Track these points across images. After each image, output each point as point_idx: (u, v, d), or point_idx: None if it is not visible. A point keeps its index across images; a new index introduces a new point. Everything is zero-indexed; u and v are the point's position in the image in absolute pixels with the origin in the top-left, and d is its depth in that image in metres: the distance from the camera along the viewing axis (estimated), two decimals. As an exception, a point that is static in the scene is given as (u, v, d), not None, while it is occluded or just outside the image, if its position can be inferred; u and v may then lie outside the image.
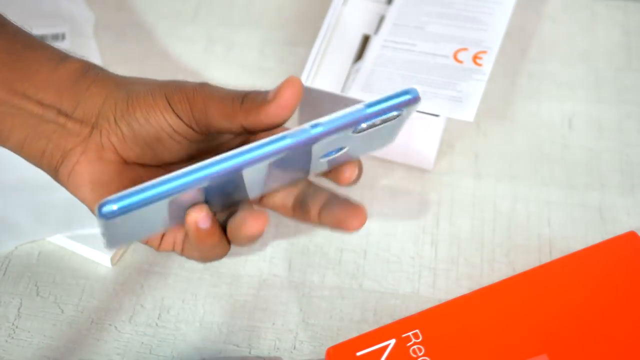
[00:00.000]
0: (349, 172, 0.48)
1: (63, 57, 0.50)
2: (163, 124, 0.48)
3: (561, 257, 0.55)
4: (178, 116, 0.47)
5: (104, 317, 0.55)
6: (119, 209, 0.41)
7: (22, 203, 0.58)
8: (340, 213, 0.48)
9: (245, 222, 0.46)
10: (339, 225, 0.48)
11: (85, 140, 0.48)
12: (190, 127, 0.48)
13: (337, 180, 0.49)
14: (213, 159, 0.43)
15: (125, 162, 0.49)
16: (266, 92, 0.47)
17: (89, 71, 0.49)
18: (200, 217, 0.46)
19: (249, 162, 0.43)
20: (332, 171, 0.49)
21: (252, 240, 0.47)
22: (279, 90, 0.46)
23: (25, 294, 0.56)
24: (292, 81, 0.46)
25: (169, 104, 0.47)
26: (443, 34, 0.64)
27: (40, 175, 0.51)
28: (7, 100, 0.48)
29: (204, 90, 0.48)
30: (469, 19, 0.64)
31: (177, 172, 0.43)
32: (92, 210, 0.48)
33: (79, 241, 0.57)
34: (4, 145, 0.49)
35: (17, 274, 0.57)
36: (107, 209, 0.41)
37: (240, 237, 0.47)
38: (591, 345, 0.50)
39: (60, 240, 0.58)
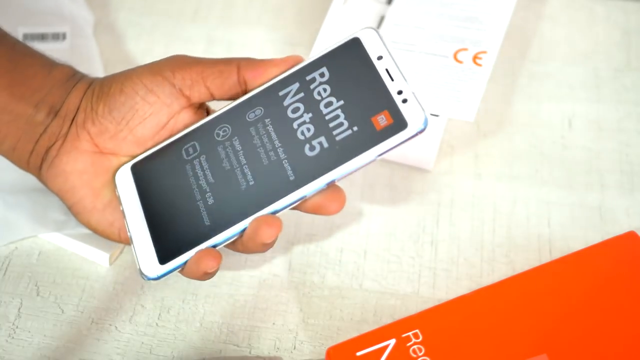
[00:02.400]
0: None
1: (54, 63, 0.53)
2: (137, 87, 0.50)
3: (561, 257, 0.55)
4: (159, 72, 0.50)
5: (104, 317, 0.55)
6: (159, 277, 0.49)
7: (21, 203, 0.58)
8: (319, 198, 0.48)
9: (260, 229, 0.47)
10: (318, 211, 0.49)
11: (64, 135, 0.51)
12: (171, 83, 0.50)
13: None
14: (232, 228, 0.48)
15: (101, 152, 0.51)
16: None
17: (76, 74, 0.53)
18: (211, 266, 0.48)
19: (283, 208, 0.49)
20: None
21: (266, 247, 0.49)
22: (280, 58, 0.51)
23: (25, 294, 0.56)
24: (294, 56, 0.51)
25: (147, 68, 0.51)
26: (443, 34, 0.64)
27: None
28: (6, 106, 0.51)
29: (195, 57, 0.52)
30: (469, 19, 0.64)
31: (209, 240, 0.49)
32: (69, 201, 0.52)
33: (77, 240, 0.57)
34: None
35: (18, 274, 0.57)
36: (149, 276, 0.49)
37: (255, 246, 0.48)
38: (591, 345, 0.50)
39: (60, 240, 0.58)
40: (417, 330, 0.51)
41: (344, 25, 0.65)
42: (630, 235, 0.56)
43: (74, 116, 0.51)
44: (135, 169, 0.52)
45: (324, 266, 0.58)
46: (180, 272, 0.49)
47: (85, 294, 0.56)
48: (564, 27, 0.72)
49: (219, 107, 0.53)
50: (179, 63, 0.51)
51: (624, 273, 0.54)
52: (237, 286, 0.57)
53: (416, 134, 0.47)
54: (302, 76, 0.50)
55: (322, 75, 0.50)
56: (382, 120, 0.48)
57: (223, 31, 0.71)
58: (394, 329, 0.51)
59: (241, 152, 0.50)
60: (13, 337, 0.54)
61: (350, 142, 0.48)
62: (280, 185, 0.48)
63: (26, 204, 0.58)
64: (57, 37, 0.67)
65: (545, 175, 0.63)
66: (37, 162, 0.51)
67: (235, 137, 0.50)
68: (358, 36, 0.50)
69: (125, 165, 0.52)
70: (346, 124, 0.48)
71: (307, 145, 0.49)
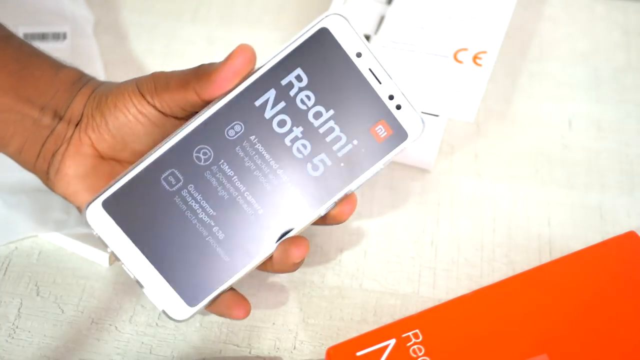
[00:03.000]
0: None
1: (61, 65, 0.53)
2: (129, 105, 0.49)
3: (561, 257, 0.55)
4: (142, 95, 0.49)
5: (104, 317, 0.55)
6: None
7: (21, 202, 0.58)
8: (333, 209, 0.49)
9: (290, 251, 0.48)
10: (333, 221, 0.50)
11: (69, 139, 0.51)
12: (153, 106, 0.49)
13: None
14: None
15: (102, 157, 0.51)
16: (219, 62, 0.48)
17: (82, 77, 0.53)
18: (241, 316, 0.50)
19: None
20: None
21: (296, 267, 0.50)
22: (230, 55, 0.47)
23: (25, 294, 0.56)
24: (243, 48, 0.47)
25: (137, 87, 0.49)
26: (443, 34, 0.64)
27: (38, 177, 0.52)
28: (13, 106, 0.51)
29: (170, 71, 0.50)
30: (469, 19, 0.64)
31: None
32: (74, 204, 0.51)
33: (77, 240, 0.57)
34: (4, 151, 0.52)
35: (18, 274, 0.57)
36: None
37: (285, 267, 0.49)
38: (591, 345, 0.50)
39: (60, 240, 0.58)
40: (417, 330, 0.51)
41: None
42: (630, 235, 0.56)
43: (79, 121, 0.51)
44: (109, 206, 0.47)
45: (324, 266, 0.58)
46: (206, 308, 0.50)
47: (85, 294, 0.56)
48: (564, 27, 0.72)
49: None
50: (157, 86, 0.49)
51: (624, 273, 0.54)
52: (237, 286, 0.56)
53: (417, 139, 0.48)
54: (275, 81, 0.47)
55: (299, 79, 0.47)
56: (381, 131, 0.48)
57: (223, 31, 0.71)
58: (394, 329, 0.51)
59: (235, 177, 0.48)
60: (13, 337, 0.54)
61: (354, 158, 0.48)
62: (293, 209, 0.48)
63: (26, 203, 0.58)
64: (58, 36, 0.67)
65: (545, 175, 0.63)
66: (44, 166, 0.51)
67: (222, 161, 0.47)
68: (326, 26, 0.47)
69: (93, 202, 0.47)
70: (344, 137, 0.48)
71: (310, 165, 0.48)
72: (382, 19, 0.65)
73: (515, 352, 0.50)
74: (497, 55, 0.64)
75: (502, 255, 0.58)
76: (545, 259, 0.58)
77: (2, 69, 0.51)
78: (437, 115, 0.60)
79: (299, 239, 0.48)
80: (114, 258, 0.57)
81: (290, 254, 0.48)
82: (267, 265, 0.50)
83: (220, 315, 0.50)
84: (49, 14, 0.68)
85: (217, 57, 0.72)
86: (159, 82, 0.49)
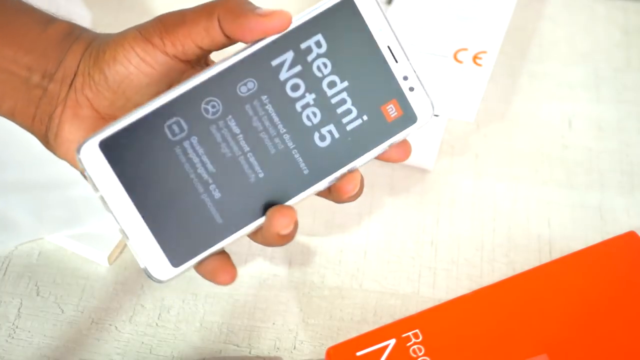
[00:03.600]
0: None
1: (50, 19, 0.49)
2: (130, 55, 0.46)
3: (561, 257, 0.55)
4: (148, 40, 0.46)
5: (104, 317, 0.55)
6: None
7: (22, 202, 0.58)
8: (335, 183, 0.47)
9: (274, 218, 0.45)
10: (335, 197, 0.47)
11: (64, 100, 0.48)
12: (162, 50, 0.46)
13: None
14: None
15: (101, 117, 0.48)
16: (253, 8, 0.46)
17: (74, 31, 0.49)
18: (226, 281, 0.46)
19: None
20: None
21: (284, 240, 0.46)
22: (270, 13, 0.45)
23: (25, 294, 0.56)
24: (285, 15, 0.45)
25: (140, 33, 0.47)
26: (443, 34, 0.64)
27: (40, 174, 0.51)
28: None
29: (179, 10, 0.47)
30: (469, 19, 0.64)
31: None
32: (75, 168, 0.48)
33: (76, 239, 0.57)
34: None
35: (17, 274, 0.57)
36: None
37: (272, 237, 0.46)
38: (591, 345, 0.50)
39: (60, 240, 0.58)
40: (417, 330, 0.51)
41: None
42: (630, 235, 0.56)
43: (72, 80, 0.48)
44: (106, 146, 0.45)
45: (324, 266, 0.58)
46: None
47: (85, 294, 0.56)
48: (564, 27, 0.72)
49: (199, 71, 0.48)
50: (166, 26, 0.46)
51: (624, 273, 0.54)
52: (237, 286, 0.57)
53: (424, 124, 0.47)
54: (295, 43, 0.46)
55: (318, 44, 0.46)
56: (391, 110, 0.47)
57: (223, 31, 0.71)
58: (394, 329, 0.51)
59: (241, 136, 0.46)
60: (13, 337, 0.54)
61: (362, 134, 0.46)
62: (295, 179, 0.46)
63: (29, 203, 0.58)
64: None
65: (545, 175, 0.63)
66: (42, 129, 0.48)
67: (230, 116, 0.46)
68: None
69: (89, 140, 0.44)
70: (355, 111, 0.47)
71: (317, 134, 0.46)
72: (382, 19, 0.65)
73: (515, 352, 0.50)
74: (497, 55, 0.64)
75: (502, 255, 0.58)
76: (545, 259, 0.58)
77: None
78: (437, 115, 0.60)
79: (286, 208, 0.45)
80: (113, 257, 0.57)
81: (274, 223, 0.45)
82: (258, 236, 0.47)
83: (205, 278, 0.47)
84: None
85: (218, 57, 0.72)
86: (169, 21, 0.46)
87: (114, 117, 0.48)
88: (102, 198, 0.45)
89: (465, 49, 0.63)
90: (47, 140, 0.49)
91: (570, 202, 0.61)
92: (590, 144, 0.64)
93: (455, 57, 0.62)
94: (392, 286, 0.57)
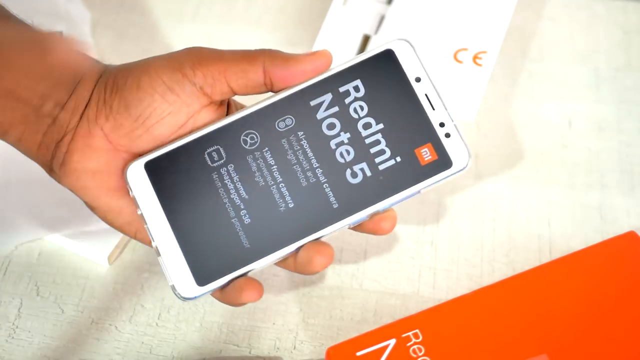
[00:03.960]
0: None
1: (50, 46, 0.49)
2: (156, 83, 0.47)
3: (561, 257, 0.55)
4: (178, 69, 0.47)
5: (104, 317, 0.55)
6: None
7: (21, 201, 0.58)
8: (369, 221, 0.48)
9: (314, 259, 0.47)
10: (369, 232, 0.49)
11: (74, 128, 0.48)
12: (191, 81, 0.47)
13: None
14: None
15: (115, 149, 0.48)
16: (296, 54, 0.49)
17: (87, 60, 0.49)
18: (253, 298, 0.47)
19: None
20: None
21: (315, 273, 0.48)
22: (314, 53, 0.48)
23: (25, 294, 0.56)
24: (327, 54, 0.49)
25: (168, 62, 0.48)
26: (443, 34, 0.64)
27: (39, 174, 0.51)
28: (11, 91, 0.48)
29: (208, 47, 0.49)
30: (469, 19, 0.64)
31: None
32: (83, 199, 0.49)
33: (76, 239, 0.57)
34: (3, 138, 0.49)
35: (18, 274, 0.57)
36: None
37: (307, 272, 0.48)
38: (591, 345, 0.50)
39: (60, 240, 0.58)
40: (417, 330, 0.51)
41: (344, 25, 0.65)
42: (630, 235, 0.56)
43: (84, 109, 0.48)
44: (150, 168, 0.48)
45: (324, 266, 0.58)
46: (213, 294, 0.48)
47: (85, 294, 0.56)
48: (564, 26, 0.72)
49: (242, 103, 0.51)
50: (200, 58, 0.48)
51: (624, 273, 0.54)
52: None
53: (459, 172, 0.48)
54: (334, 86, 0.49)
55: (356, 89, 0.49)
56: (425, 154, 0.48)
57: (223, 31, 0.71)
58: (394, 329, 0.51)
59: (275, 167, 0.48)
60: (13, 337, 0.54)
61: (394, 175, 0.48)
62: (324, 212, 0.48)
63: (29, 203, 0.58)
64: (54, 36, 0.67)
65: (545, 175, 0.63)
66: (47, 156, 0.49)
67: (266, 148, 0.48)
68: (392, 48, 0.49)
69: (137, 161, 0.48)
70: (388, 152, 0.48)
71: (349, 171, 0.48)
72: (382, 19, 0.65)
73: (515, 352, 0.50)
74: (497, 55, 0.64)
75: (502, 255, 0.58)
76: (545, 259, 0.58)
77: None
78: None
79: (325, 247, 0.47)
80: (113, 258, 0.57)
81: (314, 262, 0.47)
82: (288, 264, 0.48)
83: (231, 302, 0.48)
84: (41, 13, 0.68)
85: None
86: (204, 54, 0.48)
87: (128, 150, 0.48)
88: (141, 215, 0.48)
89: (465, 49, 0.63)
90: (51, 167, 0.49)
91: (570, 202, 0.61)
92: (590, 144, 0.64)
93: (455, 57, 0.63)
94: (392, 286, 0.57)
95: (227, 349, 0.54)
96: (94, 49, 0.68)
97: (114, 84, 0.48)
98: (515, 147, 0.64)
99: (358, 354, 0.50)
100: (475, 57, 0.62)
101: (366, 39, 0.65)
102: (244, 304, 0.47)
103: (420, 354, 0.50)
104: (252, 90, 0.49)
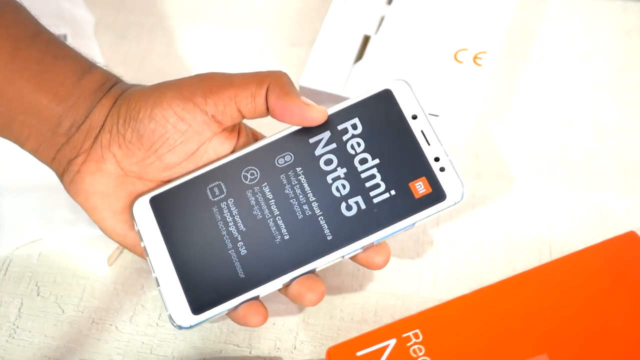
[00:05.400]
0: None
1: (87, 69, 0.51)
2: (168, 114, 0.48)
3: (561, 257, 0.55)
4: (189, 98, 0.48)
5: (105, 317, 0.55)
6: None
7: (23, 202, 0.58)
8: (362, 253, 0.49)
9: (305, 295, 0.48)
10: (363, 265, 0.50)
11: (87, 151, 0.50)
12: (202, 110, 0.48)
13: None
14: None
15: (125, 175, 0.50)
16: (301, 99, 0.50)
17: (106, 83, 0.51)
18: (257, 323, 0.49)
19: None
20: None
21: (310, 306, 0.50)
22: (314, 108, 0.50)
23: (25, 294, 0.56)
24: (325, 113, 0.50)
25: (179, 91, 0.48)
26: (443, 34, 0.64)
27: (45, 176, 0.52)
28: (32, 108, 0.49)
29: (218, 72, 0.50)
30: (469, 19, 0.64)
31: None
32: (91, 217, 0.51)
33: (77, 240, 0.57)
34: (22, 147, 0.51)
35: (18, 274, 0.57)
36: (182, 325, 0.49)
37: (301, 303, 0.49)
38: (591, 345, 0.51)
39: (60, 241, 0.58)
40: (417, 330, 0.51)
41: (344, 25, 0.65)
42: (630, 235, 0.56)
43: (98, 134, 0.50)
44: (155, 204, 0.50)
45: (324, 266, 0.58)
46: (228, 314, 0.49)
47: (85, 294, 0.56)
48: (564, 26, 0.72)
49: (253, 129, 0.53)
50: (210, 86, 0.49)
51: (624, 273, 0.54)
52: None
53: (453, 205, 0.49)
54: (333, 125, 0.50)
55: (354, 127, 0.50)
56: (420, 187, 0.49)
57: (223, 31, 0.71)
58: (394, 329, 0.51)
59: (272, 201, 0.50)
60: (13, 337, 0.54)
61: (388, 207, 0.49)
62: (318, 244, 0.49)
63: (33, 203, 0.58)
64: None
65: (545, 175, 0.63)
66: (59, 169, 0.51)
67: (265, 184, 0.50)
68: (390, 88, 0.51)
69: (143, 197, 0.50)
70: (383, 186, 0.49)
71: (344, 204, 0.49)
72: (382, 19, 0.65)
73: (515, 352, 0.50)
74: (497, 55, 0.64)
75: (502, 255, 0.58)
76: (545, 259, 0.58)
77: (23, 71, 0.49)
78: (437, 115, 0.60)
79: (317, 283, 0.48)
80: (113, 259, 0.57)
81: (306, 298, 0.48)
82: (286, 293, 0.50)
83: (241, 324, 0.50)
84: (47, 16, 0.68)
85: (218, 57, 0.72)
86: (214, 81, 0.49)
87: (138, 176, 0.50)
88: (144, 248, 0.50)
89: (465, 49, 0.63)
90: (62, 180, 0.51)
91: (570, 202, 0.61)
92: (590, 144, 0.64)
93: (455, 57, 0.63)
94: (392, 286, 0.57)
95: (227, 349, 0.54)
96: (98, 50, 0.68)
97: (127, 113, 0.49)
98: (515, 147, 0.64)
99: (358, 354, 0.50)
100: (475, 57, 0.62)
101: (366, 39, 0.65)
102: (252, 326, 0.49)
103: (420, 354, 0.50)
104: (259, 115, 0.50)
